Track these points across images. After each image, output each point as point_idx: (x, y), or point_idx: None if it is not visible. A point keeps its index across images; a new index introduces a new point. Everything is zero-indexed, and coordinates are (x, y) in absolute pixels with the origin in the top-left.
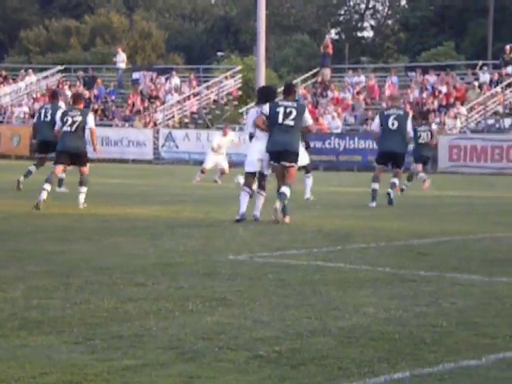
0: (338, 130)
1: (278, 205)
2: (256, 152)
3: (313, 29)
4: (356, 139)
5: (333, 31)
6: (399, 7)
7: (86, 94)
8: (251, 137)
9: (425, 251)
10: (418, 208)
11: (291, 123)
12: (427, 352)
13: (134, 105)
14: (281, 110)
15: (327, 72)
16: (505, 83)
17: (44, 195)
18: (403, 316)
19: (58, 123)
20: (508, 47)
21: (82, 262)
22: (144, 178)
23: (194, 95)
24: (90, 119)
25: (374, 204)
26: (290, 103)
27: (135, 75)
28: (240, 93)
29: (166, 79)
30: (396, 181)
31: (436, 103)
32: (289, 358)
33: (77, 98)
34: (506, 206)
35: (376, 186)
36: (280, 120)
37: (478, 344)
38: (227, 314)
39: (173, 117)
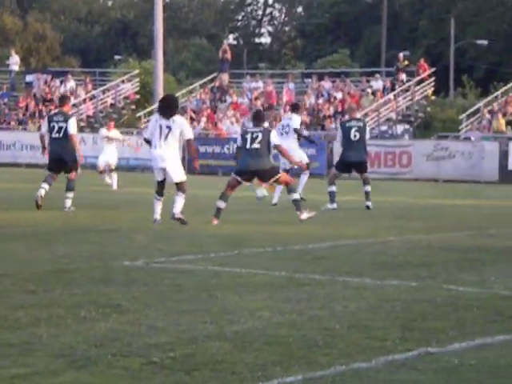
0: (237, 135)
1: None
2: (153, 162)
3: (211, 33)
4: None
5: (231, 37)
6: (296, 14)
7: None
8: (147, 141)
9: (320, 255)
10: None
11: (257, 146)
12: (320, 355)
13: (27, 108)
14: (248, 136)
15: (225, 77)
16: (397, 90)
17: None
18: (297, 319)
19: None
20: (401, 55)
21: None
22: (38, 182)
23: (90, 99)
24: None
25: (334, 205)
26: (256, 129)
27: (29, 78)
28: (138, 96)
29: (61, 82)
30: (368, 188)
31: (332, 109)
32: (183, 363)
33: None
34: (399, 211)
35: (333, 188)
36: (248, 145)
37: (369, 346)
38: (121, 321)
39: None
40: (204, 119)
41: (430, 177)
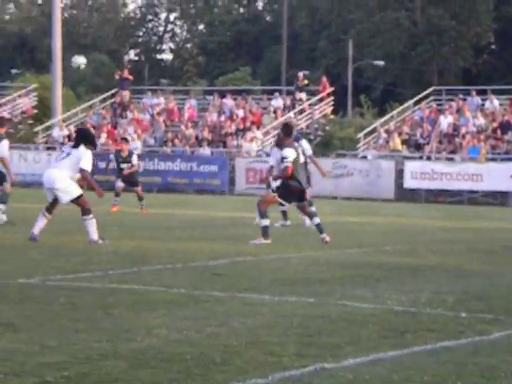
0: (138, 151)
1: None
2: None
3: (111, 49)
4: (156, 160)
5: (132, 52)
6: (197, 31)
7: None
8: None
9: (219, 272)
10: (214, 229)
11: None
12: (217, 372)
13: None
14: (299, 151)
15: (126, 94)
16: (297, 109)
17: None
18: (195, 337)
19: None
20: (301, 74)
21: None
22: None
23: None
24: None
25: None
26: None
27: None
28: (35, 111)
29: None
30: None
31: (233, 127)
32: (77, 382)
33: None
34: (298, 228)
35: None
36: (301, 160)
37: (266, 362)
38: (14, 340)
39: None
40: (104, 135)
41: (328, 194)
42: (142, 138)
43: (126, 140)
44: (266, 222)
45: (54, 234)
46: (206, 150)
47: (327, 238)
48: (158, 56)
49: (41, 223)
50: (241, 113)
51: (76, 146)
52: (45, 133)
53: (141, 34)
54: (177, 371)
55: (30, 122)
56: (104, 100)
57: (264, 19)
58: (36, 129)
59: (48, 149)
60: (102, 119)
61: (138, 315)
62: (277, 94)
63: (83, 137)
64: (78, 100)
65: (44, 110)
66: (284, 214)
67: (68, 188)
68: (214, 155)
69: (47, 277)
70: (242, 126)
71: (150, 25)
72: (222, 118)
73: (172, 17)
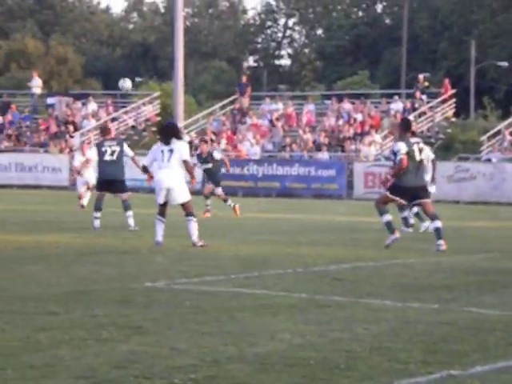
0: (257, 157)
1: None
2: (157, 183)
3: (230, 56)
4: (274, 165)
5: (251, 59)
6: (315, 36)
7: (0, 119)
8: (144, 168)
9: (340, 277)
10: (334, 234)
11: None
12: (341, 377)
13: (48, 130)
14: (415, 148)
15: (245, 100)
16: (417, 112)
17: None
18: (318, 342)
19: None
20: (421, 76)
21: None
22: (59, 204)
23: (112, 121)
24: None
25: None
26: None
27: (50, 100)
28: (158, 118)
29: (83, 104)
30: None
31: (351, 131)
32: None
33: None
34: (419, 233)
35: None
36: (417, 157)
37: (391, 369)
38: (142, 343)
39: (89, 142)
40: (224, 141)
41: (451, 198)
42: (260, 143)
43: (204, 141)
44: (386, 217)
45: (176, 238)
46: (324, 155)
47: (443, 247)
48: (277, 62)
49: (160, 229)
50: (359, 117)
51: (168, 142)
52: None
53: (260, 40)
54: (301, 376)
55: (154, 129)
56: (224, 106)
57: (383, 22)
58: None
59: None
60: (221, 125)
61: (262, 319)
62: (396, 97)
63: (171, 131)
64: (199, 107)
65: (166, 117)
66: (405, 220)
67: (183, 189)
68: (332, 159)
69: (172, 280)
70: (360, 130)
71: (268, 31)
72: (340, 122)
73: (291, 22)
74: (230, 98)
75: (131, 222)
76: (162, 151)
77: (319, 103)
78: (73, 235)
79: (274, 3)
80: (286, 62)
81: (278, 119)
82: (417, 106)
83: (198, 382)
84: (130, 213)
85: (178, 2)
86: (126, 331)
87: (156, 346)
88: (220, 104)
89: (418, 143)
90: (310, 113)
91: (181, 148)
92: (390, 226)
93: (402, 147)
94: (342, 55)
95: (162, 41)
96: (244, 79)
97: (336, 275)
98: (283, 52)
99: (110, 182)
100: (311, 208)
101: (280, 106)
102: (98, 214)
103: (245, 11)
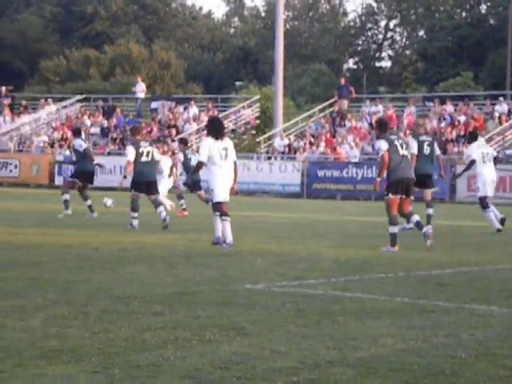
0: (356, 159)
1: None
2: (221, 181)
3: (330, 58)
4: (374, 168)
5: (351, 61)
6: (417, 37)
7: (105, 123)
8: (199, 166)
9: (443, 282)
10: (436, 238)
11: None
12: (446, 383)
13: (150, 134)
14: (396, 143)
15: (345, 103)
16: None
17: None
18: (422, 347)
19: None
20: None
21: (100, 291)
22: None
23: None
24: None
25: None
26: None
27: (154, 104)
28: (258, 122)
29: (185, 108)
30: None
31: (454, 133)
32: None
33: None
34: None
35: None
36: (400, 152)
37: (497, 375)
38: (245, 344)
39: (191, 146)
40: (323, 144)
41: None
42: (359, 146)
43: (183, 142)
44: (393, 229)
45: (275, 240)
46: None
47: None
48: (377, 64)
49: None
50: (462, 119)
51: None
52: (266, 142)
53: (360, 42)
54: (405, 381)
55: (253, 132)
56: (323, 109)
57: (487, 22)
58: (258, 139)
59: (269, 158)
60: (321, 128)
61: (363, 323)
62: (501, 98)
63: (216, 126)
64: (298, 110)
65: (266, 121)
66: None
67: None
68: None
69: (273, 283)
70: (463, 133)
71: (369, 33)
72: (443, 124)
73: (392, 24)
74: (330, 101)
75: (163, 214)
76: (226, 148)
77: (420, 105)
78: (174, 237)
79: (375, 5)
80: (386, 63)
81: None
82: None
83: None
84: (161, 208)
85: (279, 6)
86: (229, 332)
87: (258, 348)
88: (319, 107)
89: (397, 139)
90: (411, 115)
91: (232, 147)
92: (393, 239)
93: (382, 145)
94: (444, 56)
95: (263, 44)
96: (342, 81)
97: (439, 280)
98: (384, 54)
99: (147, 183)
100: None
101: (380, 108)
102: (136, 214)
103: (345, 13)
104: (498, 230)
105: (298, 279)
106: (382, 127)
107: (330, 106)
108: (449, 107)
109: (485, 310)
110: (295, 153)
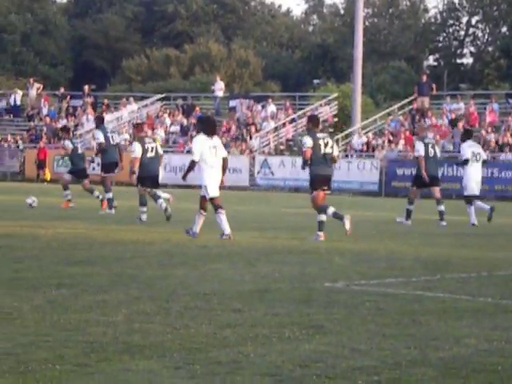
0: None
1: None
2: (212, 178)
3: (410, 55)
4: (454, 166)
5: (431, 58)
6: (500, 34)
7: (185, 121)
8: (192, 165)
9: None
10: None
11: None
12: None
13: (229, 132)
14: (321, 142)
15: (425, 100)
16: None
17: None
18: (506, 347)
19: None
20: None
21: (181, 288)
22: (240, 204)
23: (290, 122)
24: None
25: (408, 222)
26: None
27: (232, 103)
28: (336, 119)
29: (262, 107)
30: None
31: None
32: None
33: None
34: None
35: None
36: (322, 150)
37: None
38: (324, 342)
39: (268, 144)
40: (402, 141)
41: None
42: (440, 143)
43: (65, 130)
44: (322, 217)
45: (354, 239)
46: (508, 156)
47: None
48: (458, 60)
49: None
50: None
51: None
52: (344, 140)
53: (441, 38)
54: (489, 382)
55: (331, 130)
56: (402, 107)
57: None
58: (336, 137)
59: (346, 156)
60: (400, 126)
61: (445, 323)
62: None
63: (207, 124)
64: (377, 107)
65: (344, 118)
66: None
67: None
68: None
69: (351, 281)
70: None
71: (450, 29)
72: None
73: (474, 20)
74: (409, 99)
75: (164, 205)
76: (209, 147)
77: (503, 102)
78: (254, 234)
79: (456, 1)
80: (468, 60)
81: (458, 119)
82: None
83: (381, 383)
84: (161, 200)
85: (359, 3)
86: (308, 330)
87: (338, 346)
88: (398, 104)
89: (323, 138)
90: (494, 112)
91: (220, 144)
92: (322, 225)
93: (307, 141)
94: None
95: (341, 42)
96: (424, 78)
97: None
98: (465, 50)
99: (152, 177)
100: (495, 211)
101: (461, 105)
102: (145, 209)
103: (426, 10)
104: (473, 225)
105: (377, 278)
106: (313, 123)
107: (410, 103)
108: None
109: None
110: (373, 151)
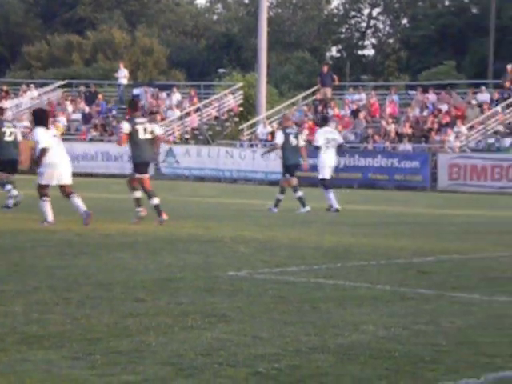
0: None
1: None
2: (51, 166)
3: (313, 46)
4: (356, 156)
5: (334, 49)
6: (400, 26)
7: (87, 109)
8: (43, 152)
9: (425, 269)
10: (417, 226)
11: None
12: (426, 370)
13: None
14: (139, 127)
15: (328, 91)
16: (505, 103)
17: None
18: (403, 334)
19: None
20: (510, 67)
21: (82, 277)
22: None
23: (195, 111)
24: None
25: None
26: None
27: (136, 91)
28: (241, 109)
29: (167, 95)
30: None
31: (436, 122)
32: (288, 374)
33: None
34: (506, 226)
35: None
36: (140, 136)
37: (478, 363)
38: (227, 331)
39: (173, 133)
40: (306, 131)
41: None
42: (342, 134)
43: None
44: (135, 194)
45: (260, 228)
46: (406, 146)
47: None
48: (360, 52)
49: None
50: (444, 107)
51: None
52: (249, 130)
53: (343, 30)
54: (385, 368)
55: (236, 119)
56: (306, 97)
57: (470, 11)
58: (241, 126)
59: (251, 146)
60: (304, 116)
61: (345, 310)
62: (483, 87)
63: (40, 116)
64: (281, 97)
65: (249, 108)
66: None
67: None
68: (415, 151)
69: (255, 270)
70: (445, 121)
71: (352, 21)
72: (425, 113)
73: (375, 12)
74: (313, 89)
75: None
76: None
77: (403, 94)
78: (157, 223)
79: None
80: (369, 52)
81: (359, 110)
82: (506, 96)
83: (281, 370)
84: (9, 186)
85: None
86: (211, 319)
87: (240, 335)
88: (302, 94)
89: (142, 123)
90: (394, 103)
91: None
92: (138, 202)
93: (124, 126)
94: (427, 45)
95: (246, 31)
96: (325, 69)
97: (420, 268)
98: (367, 42)
99: (11, 162)
100: (394, 200)
101: (363, 96)
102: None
103: (328, 1)
104: (337, 210)
105: (280, 266)
106: (132, 108)
107: (313, 93)
108: (431, 96)
109: (465, 297)
110: None
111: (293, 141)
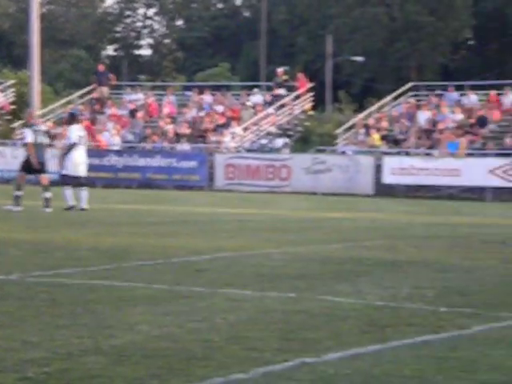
0: (117, 148)
1: None
2: None
3: (89, 44)
4: (135, 156)
5: (110, 48)
6: (176, 27)
7: None
8: None
9: (201, 268)
10: (195, 225)
11: None
12: (198, 367)
13: None
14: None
15: (105, 89)
16: (277, 104)
17: None
18: (176, 332)
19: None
20: (280, 70)
21: None
22: None
23: None
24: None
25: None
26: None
27: None
28: (13, 107)
29: None
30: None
31: (212, 122)
32: (58, 378)
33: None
34: (277, 223)
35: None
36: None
37: (247, 358)
38: None
39: None
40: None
41: (308, 190)
42: (120, 133)
43: None
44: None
45: (32, 230)
46: (185, 146)
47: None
48: (137, 52)
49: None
50: (220, 108)
51: None
52: (21, 129)
53: (119, 29)
54: (158, 367)
55: (8, 117)
56: (82, 96)
57: (242, 14)
58: (13, 125)
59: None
60: (80, 115)
61: (120, 311)
62: (256, 89)
63: None
64: (56, 96)
65: (22, 106)
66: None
67: None
68: (193, 151)
69: (27, 273)
70: (221, 122)
71: (128, 20)
72: (202, 113)
73: (150, 12)
74: (89, 88)
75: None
76: None
77: (180, 94)
78: None
79: None
80: (146, 52)
81: (138, 110)
82: (276, 98)
83: (51, 375)
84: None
85: None
86: None
87: (8, 340)
88: (78, 93)
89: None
90: (171, 104)
91: None
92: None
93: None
94: (202, 46)
95: (17, 28)
96: (100, 68)
97: (197, 266)
98: (143, 42)
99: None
100: (172, 199)
101: (141, 96)
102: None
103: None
104: (73, 207)
105: (54, 269)
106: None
107: (90, 92)
108: (207, 97)
109: (238, 294)
110: (54, 139)
111: (41, 138)
